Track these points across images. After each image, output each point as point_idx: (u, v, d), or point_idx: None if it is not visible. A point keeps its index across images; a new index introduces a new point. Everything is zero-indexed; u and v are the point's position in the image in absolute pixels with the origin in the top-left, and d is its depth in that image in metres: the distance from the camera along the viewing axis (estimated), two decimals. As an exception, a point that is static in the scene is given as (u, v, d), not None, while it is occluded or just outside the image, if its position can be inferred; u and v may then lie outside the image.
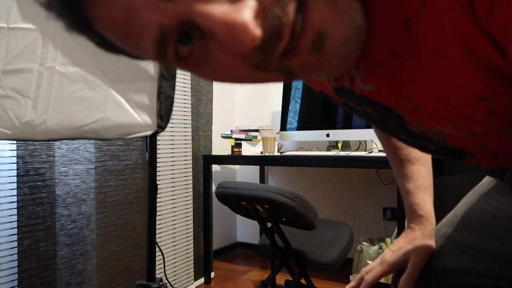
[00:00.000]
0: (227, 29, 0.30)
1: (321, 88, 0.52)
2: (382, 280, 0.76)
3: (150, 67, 1.32)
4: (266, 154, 2.41)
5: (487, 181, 0.72)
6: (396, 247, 0.74)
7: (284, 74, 0.35)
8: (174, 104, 1.45)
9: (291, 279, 1.89)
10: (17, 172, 1.54)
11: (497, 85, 0.33)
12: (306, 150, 2.63)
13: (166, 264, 1.94)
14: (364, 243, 2.14)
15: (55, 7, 0.33)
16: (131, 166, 1.95)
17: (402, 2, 0.33)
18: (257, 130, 2.64)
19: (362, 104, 0.46)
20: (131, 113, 1.33)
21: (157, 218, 1.85)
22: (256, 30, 0.30)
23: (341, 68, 0.35)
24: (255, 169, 3.04)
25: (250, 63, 0.33)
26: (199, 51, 0.33)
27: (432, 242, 0.71)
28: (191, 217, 2.27)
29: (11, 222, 1.52)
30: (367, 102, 0.45)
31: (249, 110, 3.13)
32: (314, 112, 2.51)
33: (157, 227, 1.91)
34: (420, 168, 0.73)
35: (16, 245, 1.52)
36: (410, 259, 0.70)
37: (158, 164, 1.93)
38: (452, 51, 0.32)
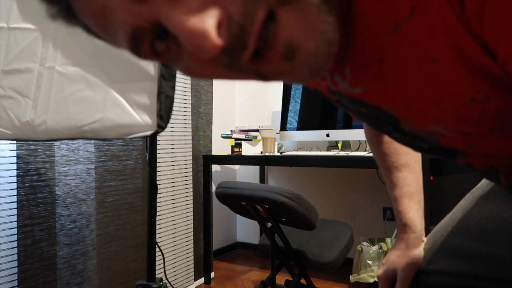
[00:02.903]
0: (190, 36, 0.31)
1: (315, 86, 0.53)
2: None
3: (150, 67, 1.32)
4: (266, 154, 2.41)
5: (485, 183, 0.72)
6: (385, 260, 0.77)
7: (259, 77, 0.36)
8: (174, 104, 1.44)
9: (291, 279, 1.89)
10: (17, 172, 1.54)
11: (488, 88, 0.34)
12: (306, 150, 2.63)
13: (166, 264, 1.94)
14: (364, 243, 2.14)
15: None
16: (131, 166, 1.95)
17: (391, 6, 0.33)
18: (257, 130, 2.64)
19: (355, 103, 0.47)
20: (131, 113, 1.33)
21: (157, 218, 1.85)
22: (217, 39, 0.31)
23: (312, 77, 0.36)
24: (255, 169, 3.04)
25: (221, 64, 0.34)
26: (174, 49, 0.34)
27: (416, 251, 0.73)
28: (191, 217, 2.27)
29: (11, 222, 1.52)
30: (359, 103, 0.46)
31: (249, 110, 3.13)
32: (314, 112, 2.51)
33: (157, 227, 1.91)
34: (407, 174, 0.74)
35: (16, 245, 1.52)
36: (397, 273, 0.73)
37: (158, 164, 1.93)
38: (444, 55, 0.33)
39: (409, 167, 0.74)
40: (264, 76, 0.36)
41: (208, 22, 0.30)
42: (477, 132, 0.40)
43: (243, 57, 0.33)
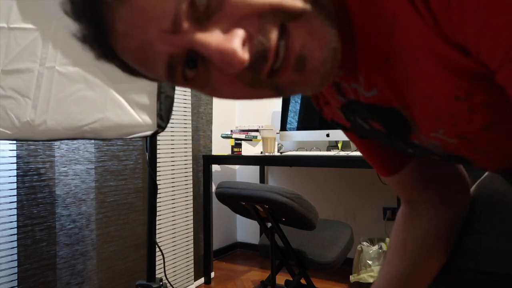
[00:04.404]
0: (221, 55, 0.36)
1: (332, 116, 0.57)
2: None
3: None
4: (266, 154, 2.41)
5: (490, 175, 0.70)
6: None
7: (275, 91, 0.40)
8: (174, 104, 1.45)
9: (291, 279, 1.89)
10: (17, 172, 1.54)
11: (467, 84, 0.37)
12: (306, 150, 2.63)
13: (166, 264, 1.94)
14: (364, 243, 2.14)
15: (88, 41, 0.41)
16: (131, 166, 1.95)
17: (382, 15, 0.37)
18: (257, 130, 2.64)
19: (368, 117, 0.50)
20: (131, 113, 1.33)
21: (157, 218, 1.85)
22: (244, 55, 0.36)
23: (322, 84, 0.40)
24: (255, 169, 3.04)
25: (244, 82, 0.39)
26: (202, 73, 0.40)
27: None
28: (191, 217, 2.27)
29: (11, 222, 1.51)
30: (373, 111, 0.48)
31: (249, 110, 3.13)
32: (314, 112, 2.51)
33: (157, 227, 1.91)
34: (390, 269, 0.67)
35: (16, 245, 1.52)
36: None
37: (158, 164, 1.93)
38: (423, 56, 0.37)
39: (403, 258, 0.67)
40: (280, 89, 0.40)
41: (235, 42, 0.35)
42: (474, 133, 0.41)
43: (264, 70, 0.37)
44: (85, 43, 0.42)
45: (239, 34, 0.36)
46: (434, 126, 0.43)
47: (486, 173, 0.70)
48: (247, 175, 3.12)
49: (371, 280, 1.98)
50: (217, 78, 0.39)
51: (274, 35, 0.36)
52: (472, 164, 0.49)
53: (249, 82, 0.39)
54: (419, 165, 0.63)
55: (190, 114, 2.29)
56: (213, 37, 0.36)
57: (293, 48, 0.36)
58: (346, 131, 0.63)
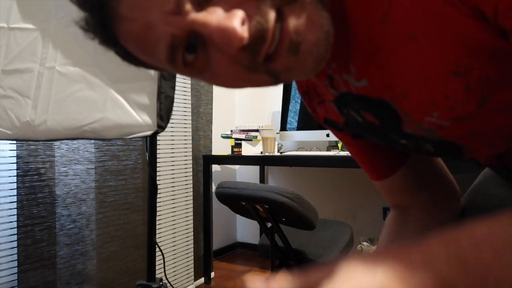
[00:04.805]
0: (221, 33, 0.37)
1: (326, 114, 0.57)
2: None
3: (150, 67, 1.32)
4: (266, 154, 2.41)
5: (485, 174, 0.70)
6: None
7: (271, 77, 0.41)
8: (174, 104, 1.44)
9: (291, 279, 1.88)
10: (17, 172, 1.54)
11: (467, 58, 0.37)
12: (306, 150, 2.63)
13: (166, 264, 1.94)
14: (364, 243, 2.14)
15: (91, 27, 0.42)
16: (131, 166, 1.95)
17: (377, 3, 0.39)
18: (257, 130, 2.64)
19: (361, 108, 0.49)
20: (131, 113, 1.33)
21: (157, 218, 1.85)
22: (244, 33, 0.36)
23: (316, 68, 0.41)
24: (255, 169, 3.04)
25: (242, 65, 0.39)
26: (202, 58, 0.40)
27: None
28: (191, 217, 2.27)
29: (11, 222, 1.51)
30: (364, 102, 0.48)
31: (249, 110, 3.13)
32: (314, 112, 2.51)
33: (157, 227, 1.91)
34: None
35: (16, 245, 1.52)
36: None
37: (158, 164, 1.93)
38: (422, 31, 0.37)
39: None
40: (276, 75, 0.41)
41: (235, 20, 0.36)
42: (468, 113, 0.42)
43: (261, 52, 0.38)
44: (88, 30, 0.42)
45: (239, 14, 0.37)
46: (429, 110, 0.43)
47: (479, 178, 0.70)
48: (247, 175, 3.12)
49: (371, 280, 1.98)
50: (216, 60, 0.40)
51: (271, 16, 0.37)
52: (465, 153, 0.49)
53: (246, 65, 0.39)
54: (411, 168, 0.62)
55: (190, 114, 2.29)
56: (213, 16, 0.37)
57: (287, 31, 0.37)
58: (339, 130, 0.62)
